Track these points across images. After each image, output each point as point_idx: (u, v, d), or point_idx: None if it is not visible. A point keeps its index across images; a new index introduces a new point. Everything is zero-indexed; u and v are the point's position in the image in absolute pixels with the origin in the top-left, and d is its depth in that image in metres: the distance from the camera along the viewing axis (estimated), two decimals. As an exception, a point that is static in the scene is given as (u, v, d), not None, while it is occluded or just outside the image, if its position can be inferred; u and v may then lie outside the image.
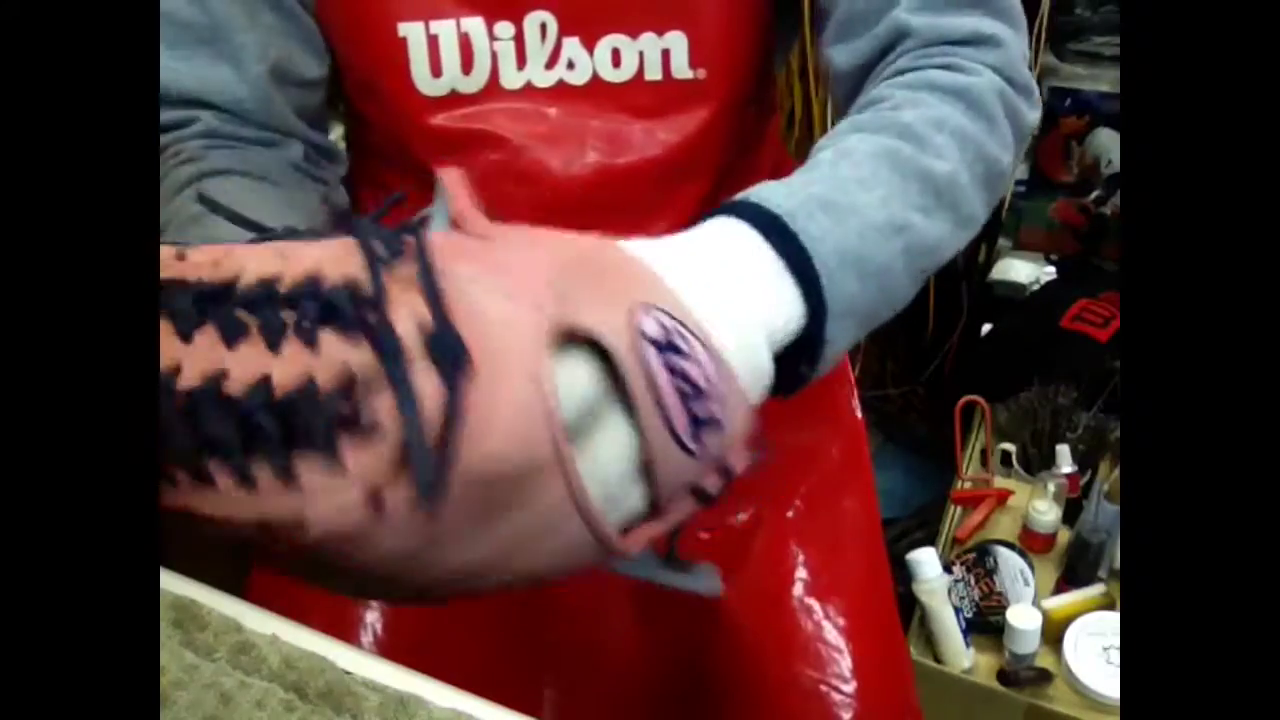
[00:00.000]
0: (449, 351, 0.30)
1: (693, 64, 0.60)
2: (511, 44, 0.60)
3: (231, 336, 0.29)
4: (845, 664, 0.73)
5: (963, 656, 1.35)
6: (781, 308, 0.42)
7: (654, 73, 0.61)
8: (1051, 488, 1.51)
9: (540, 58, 0.60)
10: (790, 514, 0.77)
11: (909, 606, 1.36)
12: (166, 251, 0.31)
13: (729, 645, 0.74)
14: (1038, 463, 1.60)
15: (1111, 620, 1.34)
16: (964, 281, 2.02)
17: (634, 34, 0.59)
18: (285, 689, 0.42)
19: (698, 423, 0.36)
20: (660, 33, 0.59)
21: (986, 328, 1.97)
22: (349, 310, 0.30)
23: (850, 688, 0.73)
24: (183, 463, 0.29)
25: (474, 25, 0.59)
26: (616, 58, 0.60)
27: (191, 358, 0.29)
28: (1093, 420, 1.59)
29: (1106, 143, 1.93)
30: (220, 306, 0.30)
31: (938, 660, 1.36)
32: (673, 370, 0.35)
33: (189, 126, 0.58)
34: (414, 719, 0.42)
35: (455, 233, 0.36)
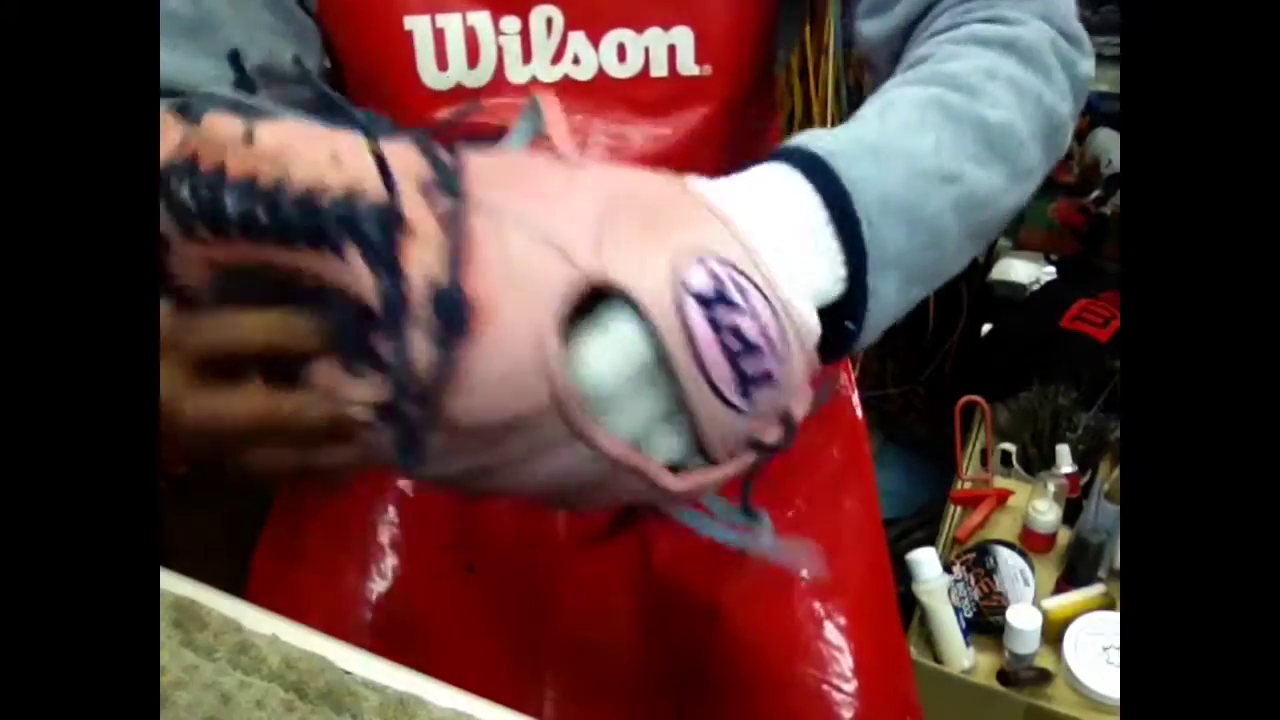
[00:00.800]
0: (451, 312, 0.31)
1: (698, 60, 0.60)
2: (517, 38, 0.60)
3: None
4: (846, 663, 0.73)
5: (963, 656, 1.35)
6: (823, 259, 0.41)
7: (659, 69, 0.60)
8: (1051, 488, 1.51)
9: (546, 52, 0.60)
10: (790, 514, 0.77)
11: (909, 606, 1.36)
12: (234, 130, 0.33)
13: (730, 645, 0.74)
14: (1038, 463, 1.60)
15: (1111, 620, 1.34)
16: (964, 281, 2.02)
17: (640, 29, 0.59)
18: (285, 689, 0.42)
19: (747, 379, 0.35)
20: (666, 28, 0.59)
21: (986, 328, 1.97)
22: (377, 239, 0.31)
23: (851, 687, 0.73)
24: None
25: (480, 19, 0.59)
26: (622, 53, 0.60)
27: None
28: (1093, 420, 1.59)
29: (1106, 143, 1.93)
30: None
31: (938, 660, 1.36)
32: (721, 326, 0.34)
33: None
34: (414, 719, 0.42)
35: (519, 152, 0.37)
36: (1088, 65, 0.54)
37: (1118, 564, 1.41)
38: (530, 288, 0.32)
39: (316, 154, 0.33)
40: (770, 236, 0.39)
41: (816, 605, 0.75)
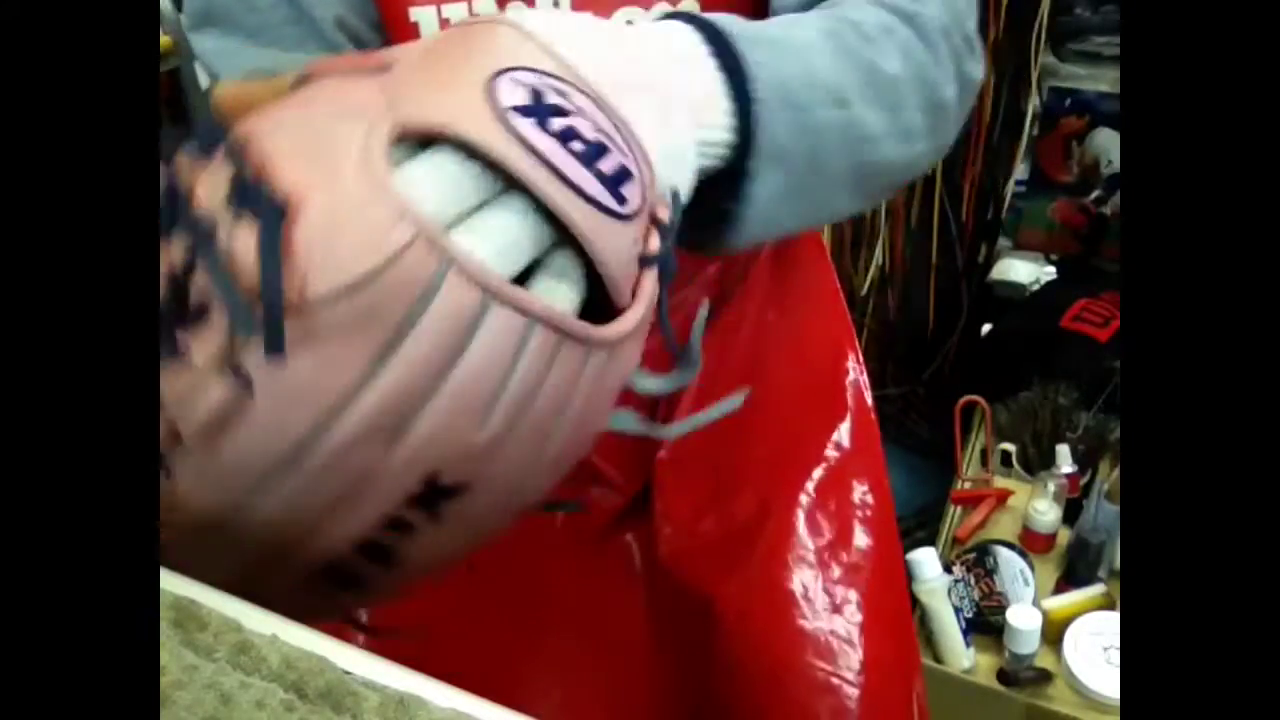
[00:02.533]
0: (256, 201, 0.29)
1: None
2: None
3: None
4: (855, 656, 0.73)
5: (963, 656, 1.35)
6: (709, 102, 0.39)
7: None
8: (1051, 488, 1.51)
9: None
10: (800, 503, 0.76)
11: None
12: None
13: (736, 637, 0.74)
14: (1038, 463, 1.60)
15: (1111, 620, 1.34)
16: (964, 281, 2.02)
17: (648, 5, 0.58)
18: (285, 689, 0.42)
19: (608, 179, 0.32)
20: (674, 3, 0.59)
21: (986, 328, 1.97)
22: (168, 205, 0.30)
23: (859, 679, 0.73)
24: None
25: (486, 6, 0.58)
26: None
27: None
28: (1093, 420, 1.59)
29: (1106, 143, 1.93)
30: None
31: (938, 660, 1.36)
32: (559, 134, 0.32)
33: None
34: (414, 719, 0.42)
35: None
36: (976, 68, 0.55)
37: (1118, 564, 1.41)
38: (338, 153, 0.30)
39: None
40: (644, 60, 0.38)
41: (824, 597, 0.74)
